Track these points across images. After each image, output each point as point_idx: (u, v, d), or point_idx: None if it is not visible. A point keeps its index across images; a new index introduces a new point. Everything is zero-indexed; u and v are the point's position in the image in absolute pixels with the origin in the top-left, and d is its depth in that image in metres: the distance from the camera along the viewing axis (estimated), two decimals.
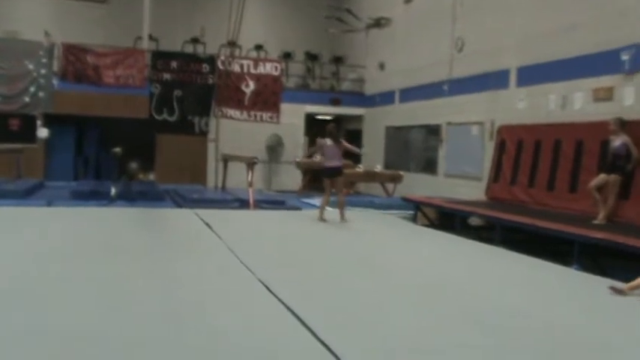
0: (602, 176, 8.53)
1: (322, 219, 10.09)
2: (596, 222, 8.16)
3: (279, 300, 4.94)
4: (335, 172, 10.15)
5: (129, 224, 9.27)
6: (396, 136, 16.82)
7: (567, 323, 4.71)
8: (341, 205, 10.25)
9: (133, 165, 14.52)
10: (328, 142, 10.07)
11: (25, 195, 12.24)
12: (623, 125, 8.40)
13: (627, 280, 5.72)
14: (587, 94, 9.84)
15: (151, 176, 16.75)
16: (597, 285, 6.02)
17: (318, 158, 10.34)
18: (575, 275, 6.72)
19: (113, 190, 12.32)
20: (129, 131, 15.99)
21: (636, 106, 8.81)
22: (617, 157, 8.36)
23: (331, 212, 10.49)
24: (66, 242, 7.43)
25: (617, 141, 8.38)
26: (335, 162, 10.12)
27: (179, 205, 12.20)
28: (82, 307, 4.55)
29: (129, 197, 12.49)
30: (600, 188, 8.53)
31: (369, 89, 18.65)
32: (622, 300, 5.45)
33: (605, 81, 9.43)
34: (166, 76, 15.35)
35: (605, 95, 9.43)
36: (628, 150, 8.29)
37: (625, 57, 9.02)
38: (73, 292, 4.99)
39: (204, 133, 16.34)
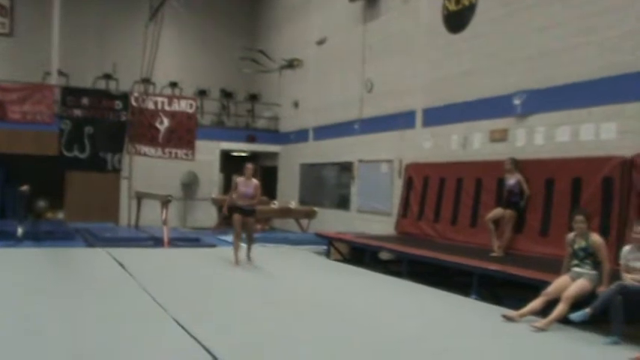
0: (499, 210, 9.21)
1: (238, 262, 9.68)
2: (494, 254, 8.74)
3: (193, 337, 5.05)
4: (247, 212, 9.78)
5: (37, 265, 9.04)
6: (311, 172, 17.22)
7: (461, 348, 5.10)
8: (250, 245, 9.97)
9: (41, 203, 14.11)
10: (241, 179, 9.83)
11: None
12: (517, 164, 9.14)
13: (518, 307, 6.22)
14: (484, 134, 10.57)
15: (60, 215, 16.28)
16: (492, 313, 6.49)
17: (234, 196, 9.91)
18: (473, 304, 7.20)
19: (20, 230, 11.93)
20: (37, 168, 15.52)
21: (527, 147, 9.58)
22: (512, 194, 9.08)
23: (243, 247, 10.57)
24: None
25: (512, 179, 9.11)
26: (247, 201, 9.76)
27: (90, 245, 11.95)
28: None
29: (36, 237, 12.12)
30: (497, 222, 9.18)
31: (284, 127, 19.04)
32: (513, 326, 5.93)
33: (500, 123, 10.19)
34: (77, 112, 15.16)
35: (500, 136, 10.18)
36: (521, 187, 9.01)
37: (517, 102, 9.81)
38: None
39: (116, 171, 16.15)
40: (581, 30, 8.80)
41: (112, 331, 5.26)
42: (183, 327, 5.39)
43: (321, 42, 16.48)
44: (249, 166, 9.92)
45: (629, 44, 8.06)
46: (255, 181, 9.84)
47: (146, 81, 15.82)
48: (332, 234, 12.14)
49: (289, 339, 5.21)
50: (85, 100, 15.15)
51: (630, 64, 8.01)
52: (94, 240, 12.40)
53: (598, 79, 8.49)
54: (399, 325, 5.92)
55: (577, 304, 5.73)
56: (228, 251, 10.24)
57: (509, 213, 9.09)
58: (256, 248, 10.91)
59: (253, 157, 19.57)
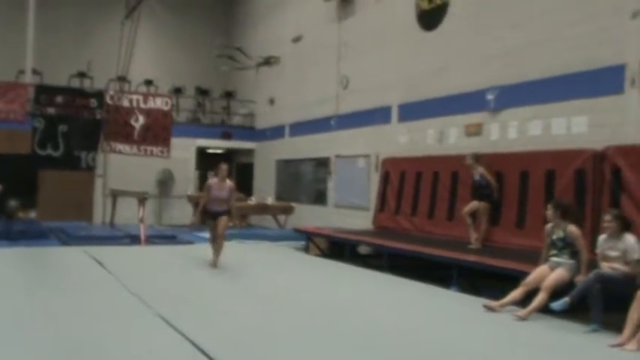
0: (474, 203, 9.38)
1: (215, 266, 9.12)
2: (472, 247, 8.91)
3: (179, 332, 5.08)
4: (219, 214, 9.16)
5: (13, 265, 8.92)
6: (287, 168, 17.27)
7: (445, 338, 5.22)
8: (219, 253, 9.17)
9: (12, 203, 13.90)
10: (214, 182, 9.22)
11: None
12: (478, 159, 9.34)
13: (498, 298, 6.37)
14: (460, 129, 10.74)
15: (32, 214, 16.05)
16: (473, 304, 6.64)
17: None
18: (454, 296, 7.34)
19: None
20: (9, 168, 15.28)
21: (501, 141, 9.78)
22: (481, 188, 9.26)
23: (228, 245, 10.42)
24: None
25: (476, 174, 9.29)
26: (221, 204, 9.17)
27: (65, 243, 11.85)
28: None
29: (10, 237, 11.97)
30: (474, 214, 9.35)
31: (260, 124, 19.04)
32: (494, 316, 6.08)
33: (474, 118, 10.38)
34: (51, 110, 14.95)
35: (475, 131, 10.37)
36: (487, 180, 9.19)
37: (490, 97, 10.00)
38: None
39: (91, 169, 15.98)
40: (550, 26, 9.01)
41: (98, 327, 5.25)
42: (168, 322, 5.42)
43: (296, 39, 16.53)
44: (224, 167, 9.29)
45: (597, 40, 8.27)
46: (229, 183, 9.30)
47: (122, 79, 15.68)
48: (311, 229, 12.21)
49: (273, 333, 5.27)
50: (59, 99, 14.96)
51: (598, 59, 8.23)
52: (68, 239, 12.29)
53: (568, 74, 8.70)
54: (382, 317, 6.02)
55: (556, 293, 5.89)
56: (206, 248, 10.14)
57: (483, 206, 9.26)
58: (234, 245, 10.96)
59: (229, 153, 19.55)
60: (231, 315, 5.94)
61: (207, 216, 9.36)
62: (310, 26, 15.96)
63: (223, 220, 9.12)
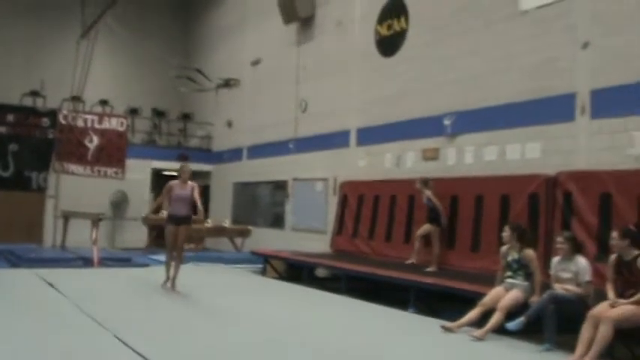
0: (427, 226, 9.56)
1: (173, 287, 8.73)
2: (429, 269, 9.00)
3: (137, 352, 4.98)
4: (181, 220, 8.69)
5: None
6: (244, 191, 17.18)
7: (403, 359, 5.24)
8: (177, 269, 8.75)
9: None
10: (176, 183, 8.74)
11: None
12: (426, 183, 9.56)
13: (455, 319, 6.44)
14: (417, 153, 10.93)
15: None
16: (431, 325, 6.69)
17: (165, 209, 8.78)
18: (411, 318, 7.39)
19: None
20: None
21: (457, 165, 9.98)
22: (431, 211, 9.43)
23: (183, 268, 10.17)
24: None
25: (424, 198, 9.48)
26: (184, 206, 8.71)
27: (15, 266, 11.46)
28: None
29: None
30: (427, 237, 9.50)
31: (217, 146, 18.95)
32: (451, 336, 6.15)
33: (431, 142, 10.58)
34: (1, 129, 14.59)
35: (432, 155, 10.56)
36: (434, 204, 9.37)
37: (447, 122, 10.23)
38: None
39: (42, 189, 15.59)
40: (505, 55, 9.31)
41: (53, 349, 5.10)
42: (125, 343, 5.30)
43: (255, 63, 16.60)
44: (186, 167, 8.82)
45: (550, 69, 8.60)
46: (191, 183, 8.77)
47: (76, 99, 15.40)
48: (268, 251, 12.15)
49: (230, 355, 5.22)
50: (10, 117, 14.64)
51: (551, 88, 8.54)
52: (18, 261, 11.89)
53: (521, 102, 8.98)
54: (340, 340, 5.99)
55: (511, 314, 5.99)
56: (162, 270, 9.88)
57: (433, 229, 9.44)
58: (190, 268, 10.79)
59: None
60: (188, 336, 5.84)
61: (169, 220, 8.82)
62: (270, 49, 16.06)
63: (184, 230, 8.69)
